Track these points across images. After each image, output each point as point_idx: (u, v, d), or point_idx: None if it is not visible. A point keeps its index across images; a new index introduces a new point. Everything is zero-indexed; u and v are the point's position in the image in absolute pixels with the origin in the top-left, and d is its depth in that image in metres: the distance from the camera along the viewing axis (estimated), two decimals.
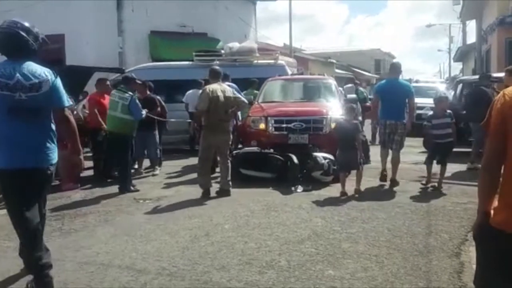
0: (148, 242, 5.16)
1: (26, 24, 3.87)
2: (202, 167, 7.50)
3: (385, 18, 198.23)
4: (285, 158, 8.21)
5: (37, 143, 3.74)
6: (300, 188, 7.62)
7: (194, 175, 9.24)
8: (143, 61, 16.04)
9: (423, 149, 11.69)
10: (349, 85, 12.37)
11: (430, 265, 4.37)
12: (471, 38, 27.15)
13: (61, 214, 6.52)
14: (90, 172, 9.09)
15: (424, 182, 7.92)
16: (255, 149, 8.67)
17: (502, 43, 16.25)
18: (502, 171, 2.24)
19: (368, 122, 13.29)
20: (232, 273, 4.22)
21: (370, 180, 8.41)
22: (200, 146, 7.58)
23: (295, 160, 8.09)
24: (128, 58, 16.28)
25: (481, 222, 2.30)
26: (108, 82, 9.11)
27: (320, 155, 8.17)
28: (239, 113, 10.20)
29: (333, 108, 9.39)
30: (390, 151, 8.08)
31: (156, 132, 9.44)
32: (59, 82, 3.84)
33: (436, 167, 7.88)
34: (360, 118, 10.80)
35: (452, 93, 12.31)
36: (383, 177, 8.05)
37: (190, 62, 12.85)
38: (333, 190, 7.62)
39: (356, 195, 7.15)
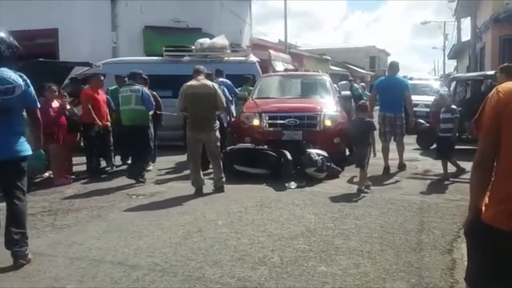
0: (140, 238, 5.14)
1: (0, 34, 4.37)
2: (192, 165, 7.40)
3: (383, 15, 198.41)
4: (279, 154, 8.21)
5: (8, 139, 4.29)
6: (293, 185, 7.62)
7: (188, 171, 9.24)
8: (137, 56, 16.00)
9: (417, 146, 11.77)
10: (343, 82, 12.39)
11: (422, 262, 4.38)
12: (466, 36, 27.22)
13: (54, 209, 6.50)
14: (83, 168, 9.06)
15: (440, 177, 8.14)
16: (249, 145, 8.66)
17: (496, 41, 16.29)
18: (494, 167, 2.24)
19: None
20: (225, 269, 4.21)
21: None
22: (187, 145, 7.49)
23: (289, 156, 8.09)
24: (122, 53, 16.17)
25: (472, 219, 2.30)
26: (102, 78, 9.05)
27: (314, 151, 8.17)
28: (233, 109, 10.20)
29: (328, 105, 9.39)
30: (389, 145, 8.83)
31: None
32: (30, 86, 4.44)
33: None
34: (355, 115, 10.77)
35: (446, 90, 12.33)
36: (386, 171, 8.51)
37: (159, 58, 12.61)
38: (327, 187, 7.64)
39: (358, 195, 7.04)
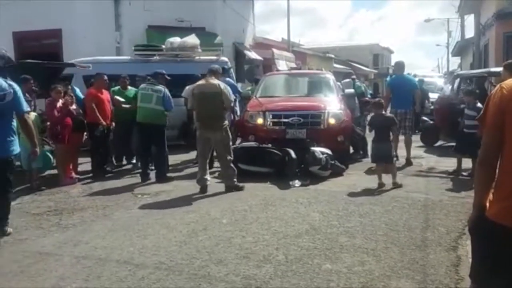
0: (145, 236, 5.16)
1: None
2: (199, 163, 7.52)
3: (388, 13, 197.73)
4: (283, 153, 8.21)
5: (1, 139, 5.02)
6: (297, 183, 7.63)
7: (192, 170, 9.27)
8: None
9: (421, 144, 11.75)
10: (347, 80, 12.32)
11: (427, 259, 4.38)
12: (470, 33, 27.13)
13: (59, 209, 6.53)
14: (88, 167, 9.10)
15: (451, 171, 8.22)
16: (253, 144, 8.67)
17: (500, 38, 16.21)
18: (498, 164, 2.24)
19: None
20: (230, 267, 4.23)
21: (367, 174, 8.44)
22: (197, 143, 7.57)
23: (293, 154, 8.09)
24: (125, 53, 16.18)
25: (476, 215, 2.31)
26: (105, 78, 9.07)
27: (318, 149, 8.17)
28: (237, 108, 10.21)
29: (331, 103, 9.39)
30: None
31: None
32: (19, 93, 5.16)
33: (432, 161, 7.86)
34: (358, 113, 10.77)
35: (450, 87, 12.30)
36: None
37: (129, 57, 12.37)
38: (331, 185, 7.64)
39: (396, 188, 7.21)
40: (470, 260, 2.46)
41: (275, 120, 9.00)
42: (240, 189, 7.28)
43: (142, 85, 8.58)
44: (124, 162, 9.94)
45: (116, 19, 16.58)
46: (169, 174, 8.48)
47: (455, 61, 43.56)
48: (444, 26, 44.04)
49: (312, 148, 8.20)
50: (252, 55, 20.15)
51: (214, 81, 7.45)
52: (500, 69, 10.38)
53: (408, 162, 9.21)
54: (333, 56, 36.21)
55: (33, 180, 7.62)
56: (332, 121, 8.90)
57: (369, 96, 11.99)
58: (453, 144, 8.96)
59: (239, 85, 12.45)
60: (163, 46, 12.48)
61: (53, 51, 15.49)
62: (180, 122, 10.45)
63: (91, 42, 15.60)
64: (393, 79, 10.15)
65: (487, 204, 2.26)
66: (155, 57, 12.06)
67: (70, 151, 8.37)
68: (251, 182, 7.67)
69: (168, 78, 8.83)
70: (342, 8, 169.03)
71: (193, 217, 5.85)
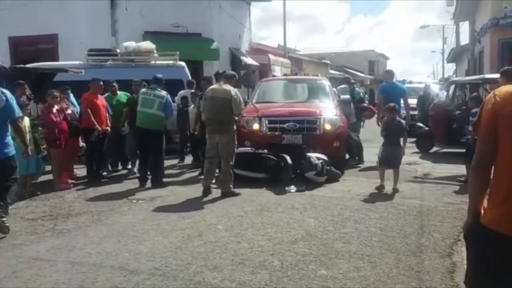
0: (141, 242, 5.15)
1: None
2: (207, 166, 7.60)
3: (386, 19, 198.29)
4: (278, 158, 8.21)
5: None
6: (293, 189, 7.63)
7: (188, 176, 9.29)
8: None
9: (416, 150, 11.78)
10: (342, 86, 12.35)
11: (423, 265, 4.38)
12: (465, 40, 27.27)
13: (54, 214, 6.50)
14: (83, 173, 9.08)
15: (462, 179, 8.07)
16: (248, 149, 8.66)
17: (495, 44, 16.30)
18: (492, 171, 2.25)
19: (368, 122, 13.33)
20: (225, 273, 4.22)
21: (363, 180, 8.47)
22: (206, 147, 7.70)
23: (289, 160, 8.10)
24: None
25: (471, 222, 2.32)
26: (101, 83, 9.07)
27: (313, 155, 8.18)
28: None
29: (327, 109, 9.41)
30: None
31: None
32: (12, 100, 5.47)
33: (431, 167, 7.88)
34: (354, 119, 10.78)
35: (445, 94, 12.37)
36: None
37: (81, 62, 11.73)
38: (327, 190, 7.65)
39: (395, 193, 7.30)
40: (465, 266, 2.46)
41: (271, 125, 9.00)
42: (236, 195, 7.29)
43: (143, 90, 8.57)
44: (120, 167, 9.92)
45: (112, 24, 16.60)
46: (164, 180, 8.47)
47: (451, 68, 43.79)
48: (439, 33, 44.26)
49: (308, 154, 8.22)
50: (248, 60, 20.19)
51: (227, 86, 7.55)
52: (495, 75, 10.46)
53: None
54: (329, 62, 36.31)
55: (27, 187, 7.57)
56: (328, 127, 8.91)
57: (366, 102, 12.00)
58: (449, 150, 9.03)
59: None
60: (118, 51, 12.26)
61: (49, 56, 15.46)
62: None
63: (87, 47, 15.59)
64: (384, 86, 10.92)
65: (482, 211, 2.26)
66: (109, 62, 11.73)
67: (65, 156, 8.35)
68: (246, 188, 7.67)
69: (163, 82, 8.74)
70: (340, 14, 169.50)
71: (188, 223, 5.84)
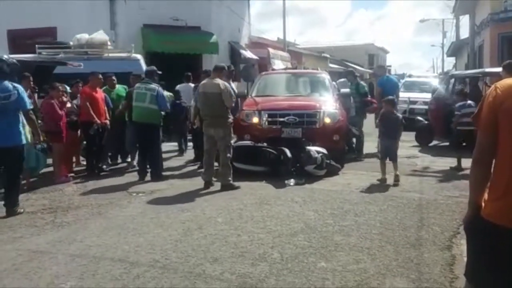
0: (140, 235, 5.15)
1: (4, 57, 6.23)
2: (205, 159, 7.68)
3: (387, 13, 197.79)
4: (278, 152, 8.21)
5: (8, 131, 5.95)
6: (293, 182, 7.64)
7: (187, 169, 9.29)
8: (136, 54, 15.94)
9: (415, 143, 11.79)
10: (342, 79, 12.31)
11: (422, 258, 4.40)
12: (465, 33, 27.21)
13: (54, 207, 6.51)
14: (83, 166, 9.08)
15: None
16: (248, 143, 8.66)
17: (495, 38, 16.27)
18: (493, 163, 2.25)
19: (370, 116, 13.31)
20: (225, 265, 4.22)
21: (363, 173, 8.47)
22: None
23: (288, 153, 8.10)
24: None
25: (471, 215, 2.32)
26: (100, 76, 9.04)
27: (313, 149, 8.18)
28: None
29: (327, 102, 9.40)
30: None
31: None
32: (23, 93, 6.09)
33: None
34: (353, 113, 10.74)
35: (445, 87, 12.36)
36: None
37: (33, 55, 11.26)
38: (326, 184, 7.66)
39: (396, 182, 7.47)
40: (465, 259, 2.46)
41: (271, 119, 9.00)
42: (236, 188, 7.30)
43: (137, 84, 8.56)
44: (119, 160, 9.92)
45: (111, 17, 16.53)
46: (164, 173, 8.47)
47: (451, 62, 43.74)
48: (439, 27, 44.18)
49: (308, 147, 8.22)
50: (248, 54, 20.14)
51: (217, 80, 7.57)
52: (495, 69, 10.45)
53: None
54: (328, 56, 36.23)
55: (27, 181, 7.56)
56: (327, 120, 8.91)
57: (369, 96, 11.97)
58: (448, 144, 9.09)
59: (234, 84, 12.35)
60: (71, 43, 11.94)
61: None
62: None
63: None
64: (382, 79, 11.82)
65: (482, 204, 2.27)
66: (60, 55, 11.33)
67: (65, 149, 8.36)
68: (246, 181, 7.67)
69: (160, 72, 8.79)
70: (342, 8, 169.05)
71: (188, 216, 5.85)
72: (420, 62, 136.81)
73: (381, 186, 7.39)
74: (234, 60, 19.06)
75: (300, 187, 7.44)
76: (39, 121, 8.08)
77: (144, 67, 11.27)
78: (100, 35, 11.98)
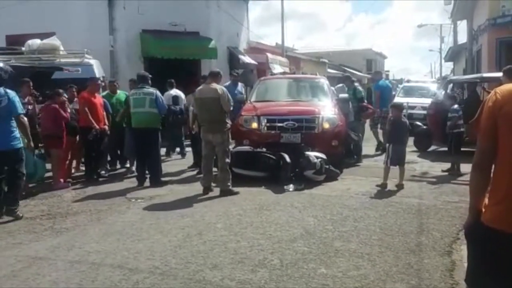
0: (140, 241, 5.14)
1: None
2: (203, 164, 7.67)
3: (387, 17, 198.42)
4: (277, 157, 8.21)
5: (3, 135, 6.06)
6: (292, 187, 7.63)
7: (187, 174, 9.27)
8: (135, 59, 15.97)
9: (414, 148, 11.79)
10: (339, 85, 12.34)
11: (422, 264, 4.39)
12: (463, 38, 27.31)
13: (53, 213, 6.49)
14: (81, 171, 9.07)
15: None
16: (247, 148, 8.66)
17: (493, 43, 16.32)
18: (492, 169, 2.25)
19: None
20: (225, 272, 4.21)
21: (362, 179, 8.47)
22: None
23: (287, 159, 8.09)
24: (119, 57, 16.18)
25: (472, 220, 2.31)
26: (99, 82, 9.06)
27: (312, 154, 8.17)
28: None
29: (326, 108, 9.41)
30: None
31: None
32: (14, 98, 6.18)
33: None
34: (352, 118, 10.75)
35: (443, 92, 12.38)
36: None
37: (31, 60, 11.07)
38: (325, 189, 7.65)
39: (399, 190, 7.47)
40: (465, 264, 2.46)
41: (270, 124, 9.00)
42: (235, 193, 7.29)
43: (133, 91, 8.56)
44: (118, 166, 9.91)
45: (110, 22, 16.52)
46: (163, 178, 8.46)
47: (449, 67, 43.87)
48: (437, 31, 44.33)
49: (307, 153, 8.21)
50: (246, 59, 20.16)
51: (213, 85, 7.57)
52: (493, 74, 10.47)
53: (380, 145, 11.55)
54: (326, 61, 36.30)
55: (25, 188, 7.52)
56: (326, 125, 8.91)
57: (365, 101, 12.01)
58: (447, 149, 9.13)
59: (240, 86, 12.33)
60: (23, 49, 11.74)
61: None
62: None
63: (84, 45, 15.53)
64: (379, 84, 12.52)
65: (483, 209, 2.26)
66: (12, 61, 10.77)
67: (64, 155, 8.35)
68: (245, 187, 7.66)
69: (151, 76, 8.74)
70: (342, 12, 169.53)
71: (188, 222, 5.83)
72: (419, 67, 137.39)
73: (380, 192, 7.39)
74: (232, 65, 19.08)
75: (299, 192, 7.43)
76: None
77: (97, 72, 11.05)
78: (52, 41, 11.79)
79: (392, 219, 5.83)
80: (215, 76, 7.79)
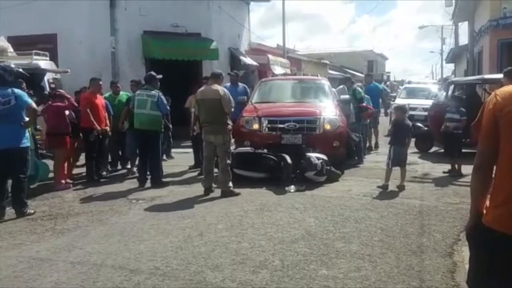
0: (141, 242, 5.14)
1: (2, 65, 6.59)
2: (204, 166, 7.71)
3: (390, 19, 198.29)
4: (278, 158, 8.21)
5: (11, 133, 6.20)
6: (293, 188, 7.63)
7: (187, 175, 9.27)
8: (136, 61, 15.98)
9: (415, 150, 11.78)
10: (340, 86, 12.34)
11: (423, 265, 4.39)
12: (464, 40, 27.28)
13: (54, 214, 6.50)
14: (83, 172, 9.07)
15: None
16: (248, 149, 8.66)
17: (494, 45, 16.29)
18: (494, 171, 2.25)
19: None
20: (226, 273, 4.21)
21: (363, 180, 8.47)
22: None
23: (289, 160, 8.09)
24: (121, 58, 16.18)
25: (473, 222, 2.31)
26: (100, 82, 9.07)
27: (313, 155, 8.17)
28: None
29: (327, 109, 9.41)
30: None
31: None
32: (22, 96, 6.33)
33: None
34: (353, 119, 10.75)
35: (444, 94, 12.37)
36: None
37: (26, 61, 10.89)
38: (326, 190, 7.64)
39: (400, 191, 7.49)
40: (466, 266, 2.47)
41: (271, 125, 9.00)
42: (236, 194, 7.29)
43: (138, 91, 8.57)
44: (119, 167, 9.92)
45: (111, 24, 16.53)
46: (164, 180, 8.46)
47: (450, 68, 43.84)
48: (439, 33, 44.32)
49: (308, 154, 8.21)
50: (248, 60, 20.16)
51: (215, 87, 7.59)
52: (494, 76, 10.47)
53: (376, 146, 12.64)
54: (327, 62, 36.31)
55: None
56: (327, 126, 8.91)
57: (365, 102, 12.00)
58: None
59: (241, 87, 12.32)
60: None
61: (48, 56, 15.42)
62: None
63: (86, 47, 15.60)
64: (370, 86, 13.29)
65: (484, 211, 2.26)
66: None
67: (67, 156, 8.38)
68: (246, 188, 7.67)
69: (160, 76, 8.69)
70: (345, 14, 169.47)
71: (189, 223, 5.84)
72: (420, 69, 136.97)
73: (381, 193, 7.38)
74: (234, 66, 19.08)
75: (300, 193, 7.43)
76: (39, 127, 8.13)
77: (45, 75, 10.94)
78: (1, 42, 11.78)
79: (393, 220, 5.83)
80: (216, 77, 7.81)
